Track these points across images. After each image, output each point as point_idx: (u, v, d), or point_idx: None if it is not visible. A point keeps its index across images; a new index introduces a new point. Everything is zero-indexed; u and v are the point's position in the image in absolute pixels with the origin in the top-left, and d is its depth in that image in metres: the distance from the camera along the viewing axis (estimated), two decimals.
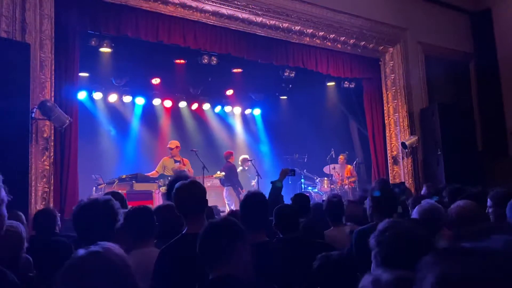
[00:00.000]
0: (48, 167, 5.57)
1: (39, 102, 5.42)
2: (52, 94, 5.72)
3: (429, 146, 9.28)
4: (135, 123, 10.46)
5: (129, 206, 3.30)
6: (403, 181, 8.77)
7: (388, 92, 9.46)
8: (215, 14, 7.24)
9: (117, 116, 10.15)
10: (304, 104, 10.86)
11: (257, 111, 12.35)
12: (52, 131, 5.71)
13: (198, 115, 11.31)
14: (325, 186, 9.73)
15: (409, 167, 9.24)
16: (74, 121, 6.13)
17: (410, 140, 9.13)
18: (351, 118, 10.63)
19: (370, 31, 8.95)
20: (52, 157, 5.66)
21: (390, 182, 8.42)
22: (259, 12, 7.62)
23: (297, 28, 8.09)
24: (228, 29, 7.52)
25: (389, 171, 9.31)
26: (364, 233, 2.83)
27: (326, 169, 10.09)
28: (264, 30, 7.81)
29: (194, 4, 6.99)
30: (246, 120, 12.28)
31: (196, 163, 8.12)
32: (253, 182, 9.04)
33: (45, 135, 5.60)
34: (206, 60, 8.21)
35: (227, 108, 11.69)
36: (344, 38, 8.68)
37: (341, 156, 9.95)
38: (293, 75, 9.23)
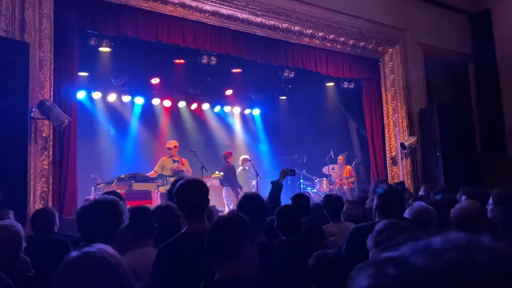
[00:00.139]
0: (47, 167, 5.57)
1: (38, 102, 5.42)
2: (51, 94, 5.72)
3: (428, 147, 9.29)
4: (134, 122, 10.45)
5: (128, 206, 3.30)
6: (402, 180, 8.77)
7: (387, 93, 9.47)
8: (214, 14, 7.24)
9: (116, 115, 10.14)
10: (303, 104, 10.86)
11: (256, 111, 12.35)
12: (51, 131, 5.70)
13: (198, 115, 11.30)
14: (324, 187, 9.73)
15: (408, 168, 9.25)
16: (73, 121, 6.13)
17: (409, 140, 9.14)
18: (350, 119, 10.64)
19: (370, 32, 8.95)
20: (51, 157, 5.66)
21: (389, 182, 8.42)
22: (259, 12, 7.62)
23: (297, 28, 8.10)
24: (227, 29, 7.53)
25: (388, 172, 9.32)
26: (361, 231, 2.83)
27: (325, 170, 10.09)
28: (263, 30, 7.81)
29: (193, 4, 6.99)
30: (246, 120, 12.28)
31: (195, 163, 8.12)
32: (254, 182, 9.04)
33: (44, 135, 5.60)
34: (205, 60, 8.21)
35: (227, 108, 11.69)
36: (343, 38, 8.68)
37: (340, 157, 9.95)
38: (292, 75, 9.23)
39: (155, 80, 9.96)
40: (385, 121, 9.47)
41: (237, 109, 11.92)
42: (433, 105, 9.41)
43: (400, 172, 9.26)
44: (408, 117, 9.36)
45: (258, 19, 7.65)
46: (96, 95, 9.63)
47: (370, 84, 9.64)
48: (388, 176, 9.21)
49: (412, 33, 9.56)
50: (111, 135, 10.06)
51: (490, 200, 3.17)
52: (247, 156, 9.71)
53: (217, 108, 11.54)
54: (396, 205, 2.89)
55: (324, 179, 9.89)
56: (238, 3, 7.36)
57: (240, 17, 7.49)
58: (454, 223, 2.84)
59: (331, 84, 10.25)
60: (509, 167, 9.64)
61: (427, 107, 9.56)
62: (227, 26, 7.46)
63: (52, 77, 5.74)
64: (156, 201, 6.97)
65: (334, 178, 9.88)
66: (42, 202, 5.39)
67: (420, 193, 6.20)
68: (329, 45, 8.62)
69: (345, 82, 9.75)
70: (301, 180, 9.97)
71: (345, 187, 9.66)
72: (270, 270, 2.14)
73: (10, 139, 4.87)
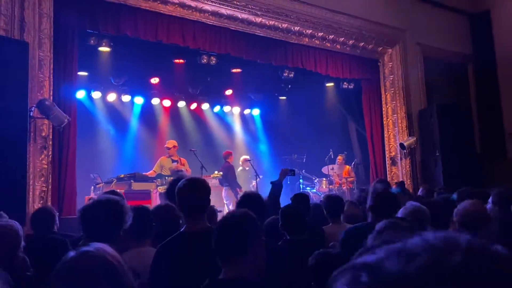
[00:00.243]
0: (46, 166, 5.56)
1: (37, 101, 5.42)
2: (51, 93, 5.72)
3: (427, 147, 9.29)
4: (134, 122, 10.45)
5: None
6: (402, 180, 8.77)
7: (386, 93, 9.47)
8: (214, 14, 7.24)
9: (116, 115, 10.14)
10: (303, 105, 10.87)
11: (256, 111, 12.35)
12: (51, 130, 5.70)
13: (197, 115, 11.30)
14: (324, 187, 9.73)
15: (407, 168, 9.25)
16: (73, 120, 6.12)
17: (408, 141, 9.14)
18: (350, 119, 10.64)
19: (369, 32, 8.96)
20: (50, 156, 5.65)
21: (389, 182, 8.41)
22: (259, 13, 7.62)
23: (296, 28, 8.10)
24: (227, 29, 7.53)
25: (387, 172, 9.33)
26: (354, 232, 2.84)
27: (324, 170, 10.09)
28: (263, 31, 7.81)
29: (193, 4, 6.99)
30: (245, 120, 12.28)
31: (195, 163, 8.12)
32: (253, 183, 9.04)
33: (43, 134, 5.60)
34: (205, 60, 8.20)
35: (226, 108, 11.69)
36: (343, 39, 8.69)
37: (339, 157, 9.95)
38: (292, 75, 9.24)
39: (154, 80, 9.95)
40: (384, 122, 9.48)
41: (236, 109, 11.92)
42: (432, 105, 9.41)
43: (399, 172, 9.26)
44: (407, 117, 9.37)
45: (258, 19, 7.65)
46: (96, 94, 9.63)
47: (370, 84, 9.65)
48: (388, 176, 9.21)
49: (412, 33, 9.56)
50: (111, 135, 10.06)
51: (490, 200, 3.18)
52: (247, 157, 9.71)
53: (217, 108, 11.54)
54: (389, 205, 2.91)
55: (324, 179, 9.90)
56: (238, 3, 7.36)
57: (240, 17, 7.49)
58: (458, 223, 2.84)
59: (331, 84, 10.25)
60: (509, 168, 9.65)
61: (427, 107, 9.56)
62: (227, 26, 7.46)
63: (51, 77, 5.73)
64: (155, 201, 6.97)
65: (333, 178, 9.89)
66: (41, 202, 5.39)
67: (419, 193, 6.20)
68: (328, 45, 8.62)
69: (345, 83, 9.76)
70: (301, 180, 9.96)
71: (344, 187, 9.66)
72: (273, 270, 2.11)
73: (10, 138, 4.87)
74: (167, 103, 10.71)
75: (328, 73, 8.94)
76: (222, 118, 11.79)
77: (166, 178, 7.54)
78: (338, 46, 8.75)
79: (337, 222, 3.91)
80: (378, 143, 9.51)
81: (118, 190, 4.99)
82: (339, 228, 3.79)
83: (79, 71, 7.04)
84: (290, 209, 3.18)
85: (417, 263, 0.44)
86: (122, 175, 7.54)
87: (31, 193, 5.33)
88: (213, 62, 8.32)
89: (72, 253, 1.24)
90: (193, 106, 11.05)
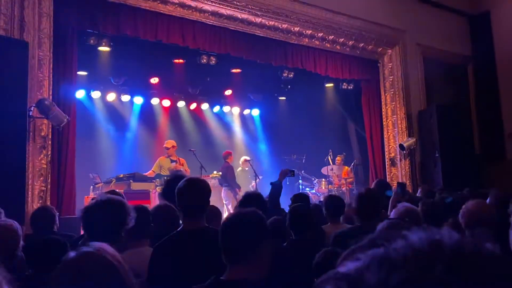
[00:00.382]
0: (45, 166, 5.55)
1: (37, 101, 5.41)
2: (50, 93, 5.71)
3: (427, 148, 9.30)
4: (133, 122, 10.44)
5: None
6: (403, 182, 8.76)
7: (386, 94, 9.48)
8: (214, 14, 7.24)
9: (115, 115, 10.13)
10: (302, 105, 10.86)
11: (255, 112, 12.34)
12: (50, 130, 5.69)
13: (197, 115, 11.30)
14: (323, 187, 9.73)
15: (406, 169, 9.25)
16: (72, 120, 6.11)
17: (408, 142, 9.14)
18: (349, 120, 10.65)
19: (369, 33, 8.96)
20: (49, 156, 5.64)
21: (389, 183, 8.41)
22: (259, 13, 7.62)
23: (296, 29, 8.10)
24: (227, 29, 7.52)
25: (387, 173, 9.33)
26: (342, 236, 2.85)
27: (324, 170, 10.09)
28: (263, 31, 7.81)
29: (193, 3, 6.99)
30: (245, 121, 12.27)
31: (194, 163, 8.11)
32: (253, 183, 9.04)
33: (42, 134, 5.59)
34: (205, 60, 8.20)
35: (226, 108, 11.68)
36: (343, 39, 8.69)
37: (338, 158, 9.96)
38: (291, 75, 9.24)
39: (154, 80, 9.95)
40: (384, 122, 9.48)
41: (236, 109, 11.92)
42: (432, 106, 9.41)
43: (398, 173, 9.26)
44: (407, 118, 9.37)
45: (258, 19, 7.65)
46: (95, 94, 9.62)
47: (369, 85, 9.65)
48: (387, 177, 9.21)
49: (412, 34, 9.56)
50: (110, 135, 10.05)
51: (487, 201, 3.18)
52: (247, 157, 9.70)
53: (216, 108, 11.54)
54: (373, 207, 2.93)
55: (323, 179, 9.90)
56: (238, 3, 7.36)
57: (240, 17, 7.48)
58: (463, 223, 2.84)
59: (330, 84, 10.25)
60: (508, 169, 9.65)
61: (426, 108, 9.57)
62: (226, 26, 7.46)
63: (51, 76, 5.73)
64: (155, 201, 6.96)
65: (333, 178, 9.89)
66: (40, 201, 5.38)
67: (418, 194, 6.20)
68: (328, 45, 8.62)
69: (344, 83, 9.76)
70: (300, 181, 9.96)
71: (344, 188, 9.67)
72: (276, 271, 2.04)
73: (9, 138, 4.86)
74: (166, 103, 10.71)
75: (327, 73, 8.94)
76: (221, 118, 11.78)
77: (165, 178, 7.52)
78: (338, 47, 8.75)
79: (336, 222, 3.91)
80: (378, 143, 9.51)
81: (117, 190, 4.98)
82: (337, 228, 3.79)
83: (78, 70, 7.03)
84: (301, 208, 3.18)
85: (399, 276, 0.43)
86: (121, 175, 7.53)
87: (30, 192, 5.32)
88: (213, 62, 8.32)
89: (72, 253, 1.23)
90: (193, 106, 11.05)
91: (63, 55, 6.16)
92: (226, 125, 11.85)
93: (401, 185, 5.72)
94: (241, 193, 8.53)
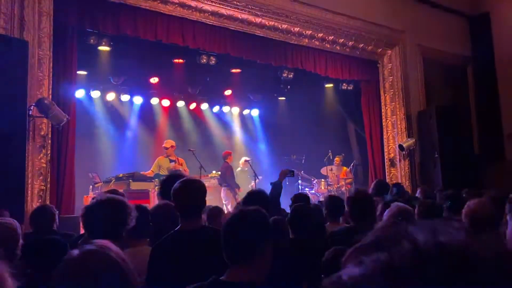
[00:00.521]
0: (45, 165, 5.55)
1: (36, 100, 5.41)
2: (50, 92, 5.71)
3: (426, 149, 9.30)
4: (133, 122, 10.44)
5: None
6: (398, 182, 8.77)
7: (386, 95, 9.48)
8: (214, 14, 7.24)
9: (115, 115, 10.13)
10: (302, 105, 10.87)
11: (255, 112, 12.34)
12: (50, 129, 5.69)
13: (196, 115, 11.30)
14: (322, 188, 9.73)
15: (406, 170, 9.26)
16: (72, 119, 6.11)
17: (407, 142, 9.15)
18: (349, 120, 10.65)
19: (369, 33, 8.96)
20: (49, 155, 5.64)
21: (388, 184, 8.41)
22: (259, 13, 7.62)
23: (296, 29, 8.10)
24: (227, 29, 7.52)
25: (386, 173, 9.33)
26: (336, 235, 2.86)
27: (323, 171, 10.10)
28: (263, 31, 7.81)
29: (193, 3, 6.99)
30: (244, 121, 12.27)
31: (194, 163, 8.11)
32: (252, 183, 9.04)
33: (42, 133, 5.59)
34: (204, 60, 8.20)
35: (225, 108, 11.68)
36: (342, 40, 8.69)
37: (336, 158, 9.96)
38: (291, 76, 9.24)
39: (154, 80, 9.95)
40: (383, 123, 9.48)
41: (236, 109, 11.92)
42: (431, 107, 9.42)
43: (398, 173, 9.27)
44: (406, 119, 9.38)
45: (258, 20, 7.65)
46: (95, 94, 9.61)
47: (369, 85, 9.66)
48: (386, 177, 9.21)
49: (412, 35, 9.57)
50: (110, 134, 10.04)
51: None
52: (248, 158, 9.71)
53: (216, 108, 11.54)
54: (364, 209, 2.95)
55: (322, 180, 9.90)
56: (237, 3, 7.36)
57: (240, 17, 7.49)
58: (466, 223, 2.84)
59: (330, 85, 10.26)
60: (507, 170, 9.66)
61: (426, 109, 9.57)
62: (226, 26, 7.46)
63: (50, 76, 5.73)
64: (154, 200, 6.96)
65: (331, 179, 9.90)
66: (40, 201, 5.38)
67: (417, 194, 6.21)
68: (328, 46, 8.63)
69: (344, 84, 9.76)
70: (299, 181, 9.97)
71: (343, 188, 9.67)
72: (277, 271, 1.98)
73: (8, 137, 4.86)
74: (166, 102, 10.71)
75: (327, 74, 8.95)
76: (221, 118, 11.78)
77: (161, 178, 7.52)
78: (338, 47, 8.76)
79: (335, 222, 3.92)
80: (377, 144, 9.51)
81: (119, 190, 4.98)
82: (336, 228, 3.81)
83: (78, 70, 7.03)
84: (303, 208, 3.20)
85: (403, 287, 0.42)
86: (120, 175, 7.52)
87: (29, 192, 5.32)
88: (213, 62, 8.32)
89: (75, 251, 1.23)
90: (192, 106, 11.05)
91: (63, 55, 6.16)
92: (225, 125, 11.85)
93: (397, 186, 5.73)
94: (240, 193, 8.55)
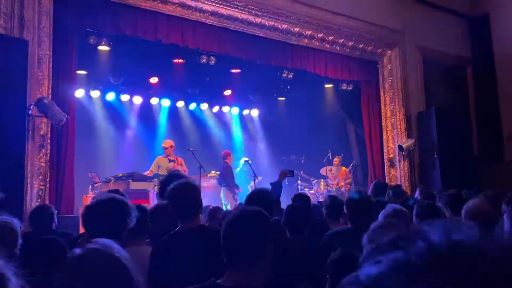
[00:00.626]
0: (44, 165, 5.55)
1: (36, 99, 5.40)
2: (49, 92, 5.71)
3: (425, 150, 9.31)
4: (133, 122, 10.44)
5: None
6: (398, 184, 8.78)
7: (385, 95, 9.48)
8: (214, 14, 7.24)
9: (115, 114, 10.13)
10: (302, 106, 10.87)
11: (255, 112, 12.35)
12: (49, 129, 5.69)
13: (196, 115, 11.30)
14: (322, 188, 9.74)
15: (405, 170, 9.26)
16: (71, 119, 6.11)
17: (407, 143, 9.16)
18: (349, 120, 10.65)
19: (369, 34, 8.97)
20: (48, 155, 5.64)
21: (388, 184, 8.41)
22: (258, 13, 7.62)
23: (296, 29, 8.10)
24: (227, 29, 7.52)
25: (386, 174, 9.33)
26: (333, 236, 2.87)
27: (322, 171, 10.10)
28: (263, 31, 7.81)
29: (193, 3, 6.99)
30: (244, 121, 12.28)
31: (193, 162, 8.11)
32: (252, 183, 9.04)
33: (41, 132, 5.59)
34: (204, 60, 8.20)
35: (225, 108, 11.69)
36: (342, 40, 8.70)
37: (336, 158, 9.97)
38: (291, 76, 9.24)
39: (153, 80, 9.95)
40: (383, 123, 9.49)
41: (235, 110, 11.93)
42: (431, 108, 9.43)
43: (397, 174, 9.27)
44: (406, 119, 9.38)
45: (258, 20, 7.65)
46: (95, 93, 9.62)
47: (369, 86, 9.66)
48: (386, 178, 9.22)
49: (411, 36, 9.58)
50: (109, 134, 10.04)
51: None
52: (247, 158, 9.71)
53: (216, 108, 11.54)
54: (361, 212, 2.96)
55: (322, 180, 9.91)
56: (237, 3, 7.36)
57: (240, 18, 7.49)
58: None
59: (330, 85, 10.26)
60: (506, 171, 9.67)
61: (425, 110, 9.58)
62: (226, 26, 7.46)
63: (50, 75, 5.72)
64: (153, 200, 6.96)
65: (331, 179, 9.90)
66: (39, 200, 5.38)
67: (416, 195, 6.21)
68: (328, 46, 8.63)
69: (344, 84, 9.76)
70: (299, 181, 9.97)
71: (342, 189, 9.68)
72: (277, 271, 1.90)
73: (8, 136, 4.86)
74: (166, 102, 10.71)
75: (327, 74, 8.95)
76: (221, 118, 11.79)
77: (160, 178, 7.52)
78: (338, 48, 8.76)
79: (335, 222, 3.93)
80: (377, 144, 9.52)
81: (120, 189, 4.97)
82: (336, 228, 3.81)
83: (78, 69, 7.03)
84: (298, 208, 3.20)
85: (419, 285, 0.42)
86: (120, 174, 7.53)
87: (28, 191, 5.32)
88: (213, 62, 8.32)
89: (78, 250, 1.23)
90: (192, 106, 11.05)
91: (63, 54, 6.15)
92: (225, 125, 11.85)
93: (394, 188, 5.69)
94: (239, 193, 8.55)
